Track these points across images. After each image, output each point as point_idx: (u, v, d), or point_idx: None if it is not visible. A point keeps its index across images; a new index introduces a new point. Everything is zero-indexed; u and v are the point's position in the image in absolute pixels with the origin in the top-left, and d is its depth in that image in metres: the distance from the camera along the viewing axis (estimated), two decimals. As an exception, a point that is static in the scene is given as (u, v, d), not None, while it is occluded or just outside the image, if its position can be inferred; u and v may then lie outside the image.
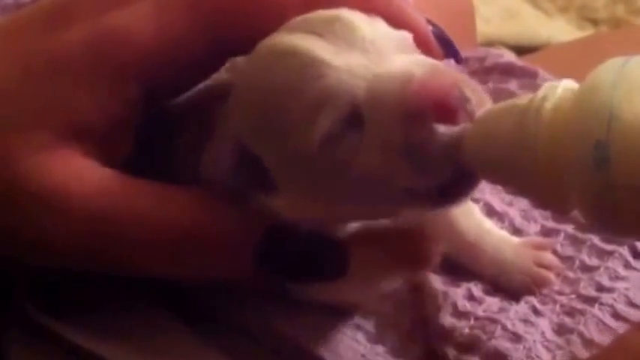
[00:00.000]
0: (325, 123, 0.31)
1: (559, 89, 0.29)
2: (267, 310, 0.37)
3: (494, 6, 1.09)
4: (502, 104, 0.31)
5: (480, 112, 0.31)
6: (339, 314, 0.38)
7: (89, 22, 0.34)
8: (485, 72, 0.52)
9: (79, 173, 0.33)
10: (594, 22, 1.10)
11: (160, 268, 0.34)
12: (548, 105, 0.29)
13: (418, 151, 0.30)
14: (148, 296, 0.37)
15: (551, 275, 0.41)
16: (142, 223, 0.33)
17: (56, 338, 0.36)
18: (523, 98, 0.30)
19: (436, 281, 0.41)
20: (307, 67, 0.31)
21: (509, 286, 0.41)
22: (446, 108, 0.30)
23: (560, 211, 0.31)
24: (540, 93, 0.30)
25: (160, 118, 0.36)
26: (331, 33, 0.32)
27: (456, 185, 0.31)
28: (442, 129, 0.30)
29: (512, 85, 0.50)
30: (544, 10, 1.11)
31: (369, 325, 0.39)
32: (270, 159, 0.33)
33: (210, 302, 0.38)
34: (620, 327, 0.39)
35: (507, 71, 0.51)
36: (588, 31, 1.08)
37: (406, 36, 0.33)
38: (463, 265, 0.41)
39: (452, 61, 0.36)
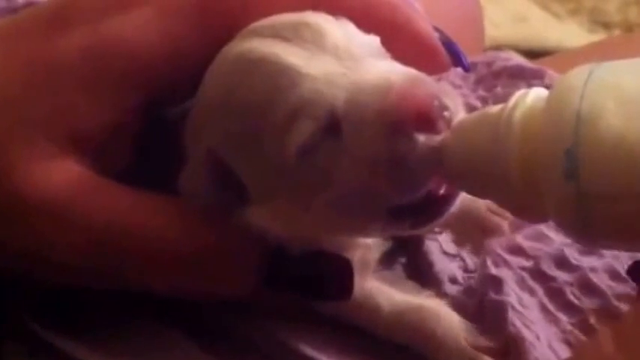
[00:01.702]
0: (303, 133, 0.30)
1: (529, 98, 0.29)
2: (275, 324, 0.37)
3: (503, 9, 1.09)
4: (477, 113, 0.31)
5: (455, 121, 0.31)
6: (349, 327, 0.38)
7: (89, 29, 0.34)
8: (493, 76, 0.52)
9: (78, 184, 0.33)
10: (606, 26, 1.10)
11: (159, 283, 0.34)
12: (518, 114, 0.29)
13: (399, 162, 0.30)
14: (151, 310, 0.37)
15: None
16: (140, 236, 0.33)
17: (56, 353, 0.36)
18: (495, 107, 0.30)
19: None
20: (279, 75, 0.31)
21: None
22: (426, 118, 0.30)
23: (535, 221, 0.31)
24: (511, 102, 0.30)
25: (160, 126, 0.36)
26: (299, 38, 0.31)
27: (434, 201, 0.31)
28: (422, 139, 0.30)
29: (521, 88, 0.50)
30: (554, 13, 1.11)
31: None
32: (244, 170, 0.33)
33: (216, 317, 0.37)
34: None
35: (516, 74, 0.51)
36: (600, 35, 1.08)
37: (375, 40, 0.33)
38: None
39: (459, 70, 0.36)
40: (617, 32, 1.08)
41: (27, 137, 0.33)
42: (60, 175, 0.33)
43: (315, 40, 0.31)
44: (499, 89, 0.50)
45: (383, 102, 0.30)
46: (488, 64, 0.52)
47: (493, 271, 0.39)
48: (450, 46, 0.36)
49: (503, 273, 0.39)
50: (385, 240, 0.38)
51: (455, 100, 0.31)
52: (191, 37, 0.34)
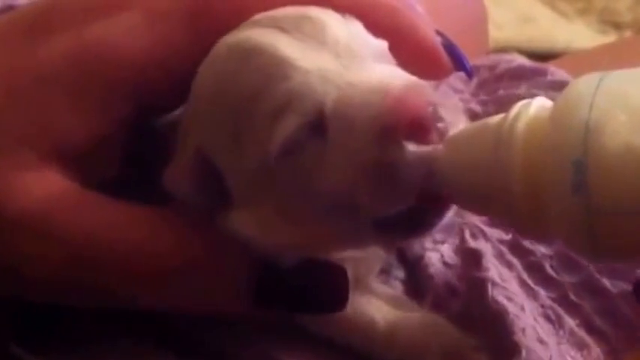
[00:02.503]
0: (287, 128, 0.30)
1: (532, 108, 0.29)
2: (262, 341, 0.37)
3: (508, 9, 1.08)
4: (475, 124, 0.31)
5: (452, 133, 0.30)
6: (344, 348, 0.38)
7: (72, 34, 0.33)
8: (495, 80, 0.52)
9: (59, 196, 0.33)
10: (617, 26, 1.09)
11: (144, 297, 0.33)
12: (522, 124, 0.29)
13: (385, 170, 0.29)
14: (138, 332, 0.37)
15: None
16: (121, 249, 0.32)
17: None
18: (495, 117, 0.30)
19: None
20: (272, 67, 0.30)
21: None
22: (419, 126, 0.29)
23: (537, 236, 0.31)
24: (512, 112, 0.29)
25: (148, 134, 0.35)
26: (299, 31, 0.31)
27: (422, 215, 0.31)
28: (412, 147, 0.29)
29: (522, 89, 0.50)
30: (562, 12, 1.10)
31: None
32: (231, 170, 0.32)
33: (201, 335, 0.37)
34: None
35: (517, 75, 0.52)
36: (611, 36, 1.07)
37: (382, 44, 0.32)
38: None
39: (462, 74, 0.36)
40: (628, 33, 1.08)
41: (7, 147, 0.32)
42: (40, 186, 0.32)
43: (315, 35, 0.31)
44: (501, 92, 0.51)
45: (375, 105, 0.29)
46: (491, 68, 0.53)
47: (472, 244, 0.40)
48: (452, 50, 0.36)
49: (482, 245, 0.40)
50: (379, 254, 0.38)
51: (453, 112, 0.31)
52: (182, 42, 0.33)
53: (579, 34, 1.06)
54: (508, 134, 0.29)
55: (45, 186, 0.32)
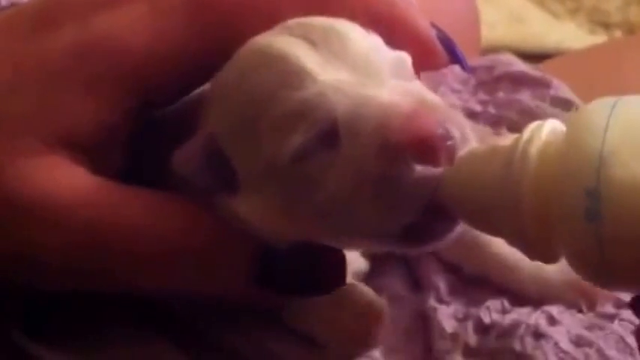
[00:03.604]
0: (300, 136, 0.31)
1: (544, 132, 0.29)
2: (262, 333, 0.37)
3: (499, 9, 1.09)
4: (485, 146, 0.31)
5: (462, 153, 0.30)
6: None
7: (78, 25, 0.33)
8: (494, 81, 0.52)
9: (66, 181, 0.33)
10: (606, 26, 1.09)
11: (147, 281, 0.34)
12: (534, 149, 0.29)
13: (388, 185, 0.30)
14: (138, 319, 0.37)
15: (598, 289, 0.40)
16: (130, 234, 0.33)
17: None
18: (506, 139, 0.30)
19: (446, 318, 0.40)
20: (291, 74, 0.31)
21: (557, 302, 0.40)
22: (426, 147, 0.29)
23: (545, 260, 0.30)
24: (525, 135, 0.29)
25: (152, 126, 0.35)
26: (324, 43, 0.32)
27: (428, 228, 0.31)
28: (419, 168, 0.30)
29: (524, 95, 0.50)
30: (552, 12, 1.10)
31: (377, 352, 0.39)
32: (240, 161, 0.33)
33: (203, 326, 0.38)
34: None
35: (518, 81, 0.51)
36: (600, 36, 1.07)
37: (404, 58, 0.33)
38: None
39: (457, 67, 0.36)
40: (617, 33, 1.08)
41: (14, 132, 0.33)
42: (47, 172, 0.33)
43: (338, 49, 0.32)
44: (501, 94, 0.51)
45: (384, 120, 0.30)
46: (489, 69, 0.53)
47: None
48: (447, 43, 0.36)
49: None
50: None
51: (464, 130, 0.31)
52: (185, 34, 0.34)
53: (570, 34, 1.06)
54: (521, 159, 0.29)
55: (51, 171, 0.33)
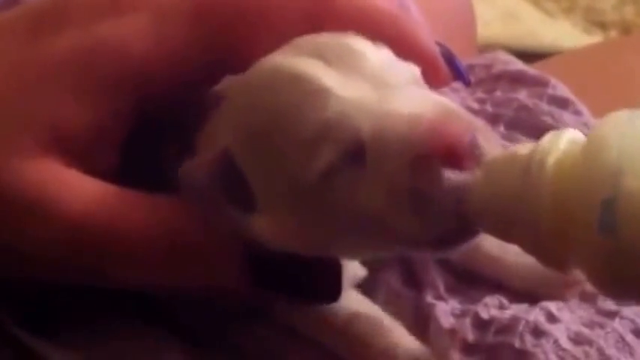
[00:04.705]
0: (327, 155, 0.31)
1: (562, 142, 0.29)
2: (260, 331, 0.38)
3: (494, 7, 1.09)
4: (506, 153, 0.31)
5: (486, 160, 0.31)
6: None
7: (81, 30, 0.34)
8: (493, 80, 0.52)
9: (60, 181, 0.33)
10: (602, 25, 1.09)
11: (136, 279, 0.34)
12: (552, 160, 0.29)
13: (423, 196, 0.30)
14: (137, 314, 0.38)
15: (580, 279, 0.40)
16: (121, 232, 0.33)
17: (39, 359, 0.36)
18: (525, 148, 0.30)
19: (444, 315, 0.40)
20: (312, 95, 0.31)
21: (540, 292, 0.41)
22: (455, 153, 0.30)
23: (560, 270, 0.31)
24: (543, 144, 0.30)
25: (148, 129, 0.36)
26: (340, 60, 0.32)
27: (457, 234, 0.31)
28: (449, 175, 0.30)
29: (522, 94, 0.50)
30: (547, 11, 1.10)
31: None
32: (257, 178, 0.33)
33: (203, 323, 0.38)
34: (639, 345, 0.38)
35: (517, 79, 0.51)
36: (596, 35, 1.08)
37: (414, 70, 0.33)
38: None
39: (460, 83, 0.37)
40: (613, 32, 1.08)
41: (9, 132, 0.33)
42: (42, 172, 0.33)
43: (354, 65, 0.32)
44: (499, 93, 0.51)
45: (411, 132, 0.30)
46: (487, 67, 0.53)
47: None
48: (450, 59, 0.36)
49: None
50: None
51: (489, 137, 0.31)
52: (186, 42, 0.34)
53: (564, 33, 1.06)
54: (538, 169, 0.29)
55: (45, 171, 0.33)
